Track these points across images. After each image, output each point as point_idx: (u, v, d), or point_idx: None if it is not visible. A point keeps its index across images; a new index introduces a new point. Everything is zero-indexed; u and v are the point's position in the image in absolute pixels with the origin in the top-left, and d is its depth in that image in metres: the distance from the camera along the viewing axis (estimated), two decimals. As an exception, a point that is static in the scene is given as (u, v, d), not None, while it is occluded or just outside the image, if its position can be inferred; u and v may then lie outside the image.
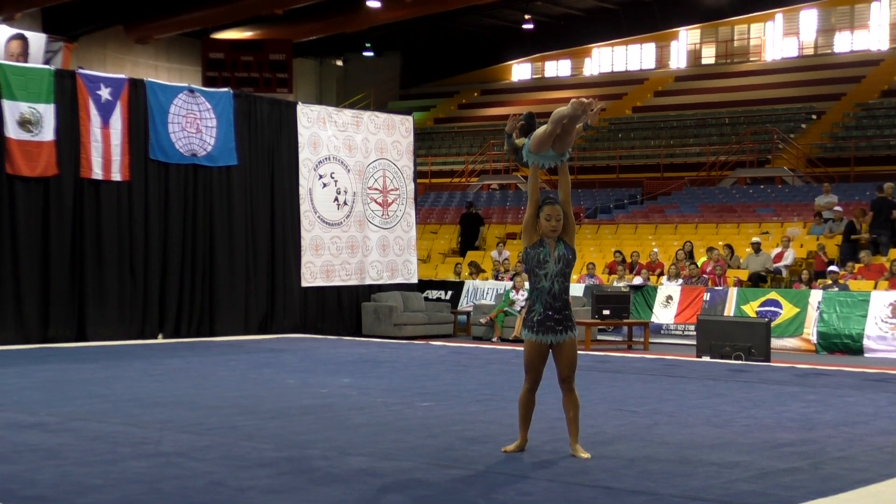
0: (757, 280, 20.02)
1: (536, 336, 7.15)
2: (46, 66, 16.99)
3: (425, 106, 42.14)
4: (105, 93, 16.50)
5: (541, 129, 7.08)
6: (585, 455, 7.08)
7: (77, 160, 16.20)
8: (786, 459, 7.26)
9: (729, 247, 21.33)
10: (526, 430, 7.39)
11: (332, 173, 19.55)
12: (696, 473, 6.72)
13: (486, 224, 26.43)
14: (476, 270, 23.44)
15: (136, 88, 16.99)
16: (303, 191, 19.03)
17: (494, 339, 19.15)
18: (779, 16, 38.55)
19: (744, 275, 20.33)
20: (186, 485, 6.22)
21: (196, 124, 17.57)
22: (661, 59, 41.15)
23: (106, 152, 16.42)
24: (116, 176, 16.57)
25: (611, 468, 6.73)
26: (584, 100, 6.91)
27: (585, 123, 7.31)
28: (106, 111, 16.47)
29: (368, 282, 20.09)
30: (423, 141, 35.34)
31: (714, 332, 15.79)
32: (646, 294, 19.61)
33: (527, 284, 19.51)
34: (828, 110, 32.96)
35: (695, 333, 16.64)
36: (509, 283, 20.31)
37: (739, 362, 14.77)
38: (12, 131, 15.57)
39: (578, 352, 7.32)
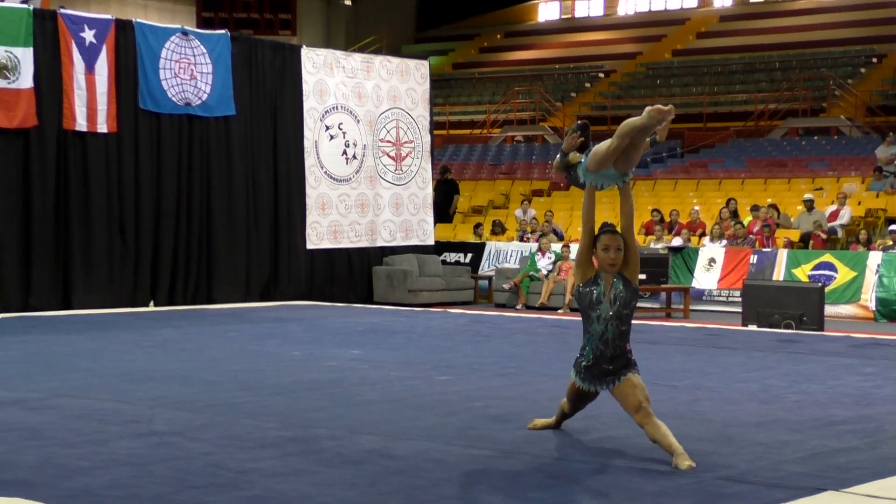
0: (809, 241, 19.94)
1: (583, 383, 6.86)
2: (24, 6, 16.95)
3: (443, 50, 41.99)
4: (89, 35, 16.47)
5: (603, 144, 6.73)
6: (687, 464, 6.26)
7: (59, 110, 16.20)
8: (840, 438, 7.24)
9: (774, 206, 21.19)
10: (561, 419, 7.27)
11: (340, 124, 19.52)
12: (741, 454, 6.71)
13: (459, 192, 26.18)
14: (500, 230, 23.42)
15: (124, 30, 16.96)
16: (308, 143, 19.01)
17: (519, 307, 19.16)
18: (836, -53, 38.20)
19: (795, 235, 20.26)
20: (182, 467, 6.25)
21: (190, 70, 17.54)
22: (704, -4, 40.88)
23: (90, 101, 16.41)
24: (102, 127, 16.56)
25: (648, 447, 6.72)
26: (662, 107, 6.51)
27: (653, 138, 6.97)
28: (90, 56, 16.44)
29: (380, 243, 20.11)
30: (441, 88, 35.22)
31: (762, 299, 15.77)
32: (686, 257, 19.57)
33: (553, 246, 19.63)
34: (889, 53, 32.66)
35: (740, 300, 16.64)
36: (535, 245, 20.27)
37: (789, 332, 14.76)
38: (-12, 78, 15.59)
39: None
